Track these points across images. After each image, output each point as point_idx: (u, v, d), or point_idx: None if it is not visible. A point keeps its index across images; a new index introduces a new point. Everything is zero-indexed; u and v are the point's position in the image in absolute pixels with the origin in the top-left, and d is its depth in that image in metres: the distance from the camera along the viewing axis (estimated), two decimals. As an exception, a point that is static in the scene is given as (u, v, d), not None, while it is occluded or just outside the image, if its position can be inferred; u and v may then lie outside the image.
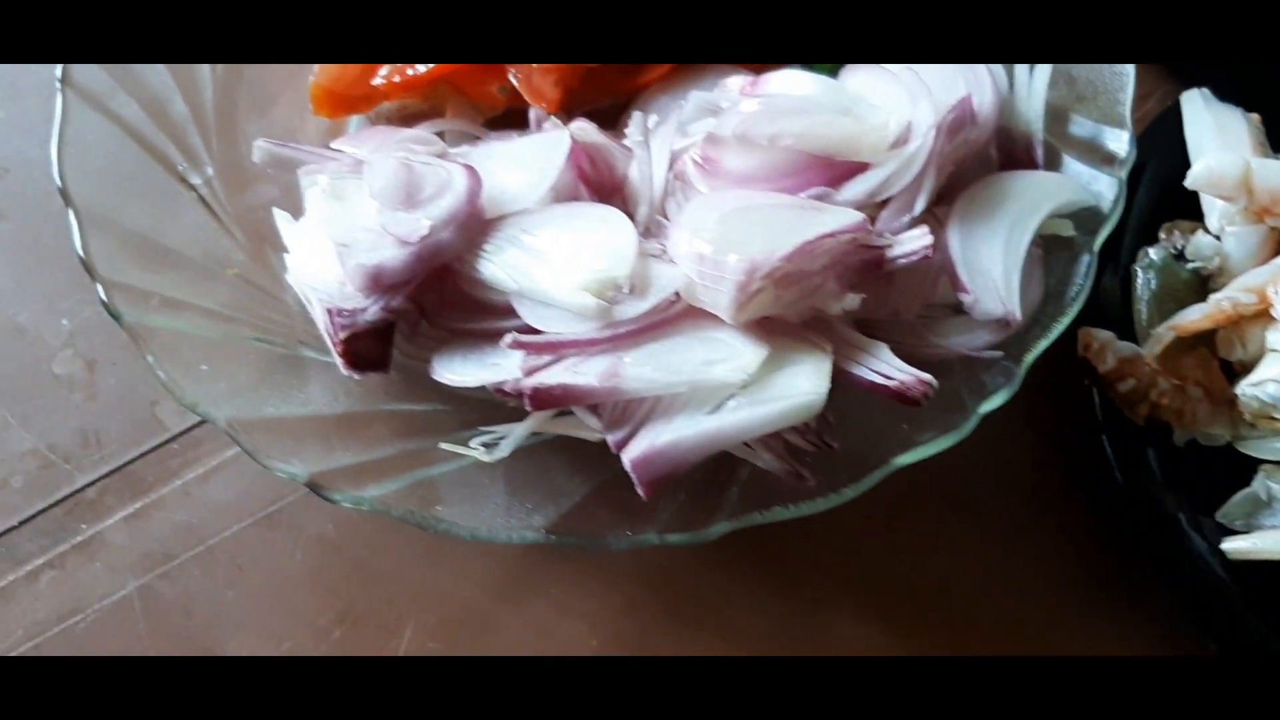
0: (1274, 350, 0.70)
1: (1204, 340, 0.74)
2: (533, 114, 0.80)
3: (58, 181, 0.70)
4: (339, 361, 0.66)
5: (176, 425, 0.79)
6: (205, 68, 0.81)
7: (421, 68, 0.81)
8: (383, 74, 0.82)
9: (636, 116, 0.73)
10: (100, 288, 0.67)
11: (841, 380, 0.63)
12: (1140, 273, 0.77)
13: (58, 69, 0.73)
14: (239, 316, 0.71)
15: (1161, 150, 0.82)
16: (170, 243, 0.72)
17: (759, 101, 0.72)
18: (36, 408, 0.80)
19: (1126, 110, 0.75)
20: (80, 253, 0.68)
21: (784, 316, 0.66)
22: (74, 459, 0.79)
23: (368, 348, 0.67)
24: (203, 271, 0.72)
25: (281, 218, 0.72)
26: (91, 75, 0.75)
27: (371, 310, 0.66)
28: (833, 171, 0.70)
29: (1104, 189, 0.73)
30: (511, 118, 0.84)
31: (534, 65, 0.80)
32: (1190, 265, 0.77)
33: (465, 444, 0.67)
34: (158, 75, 0.78)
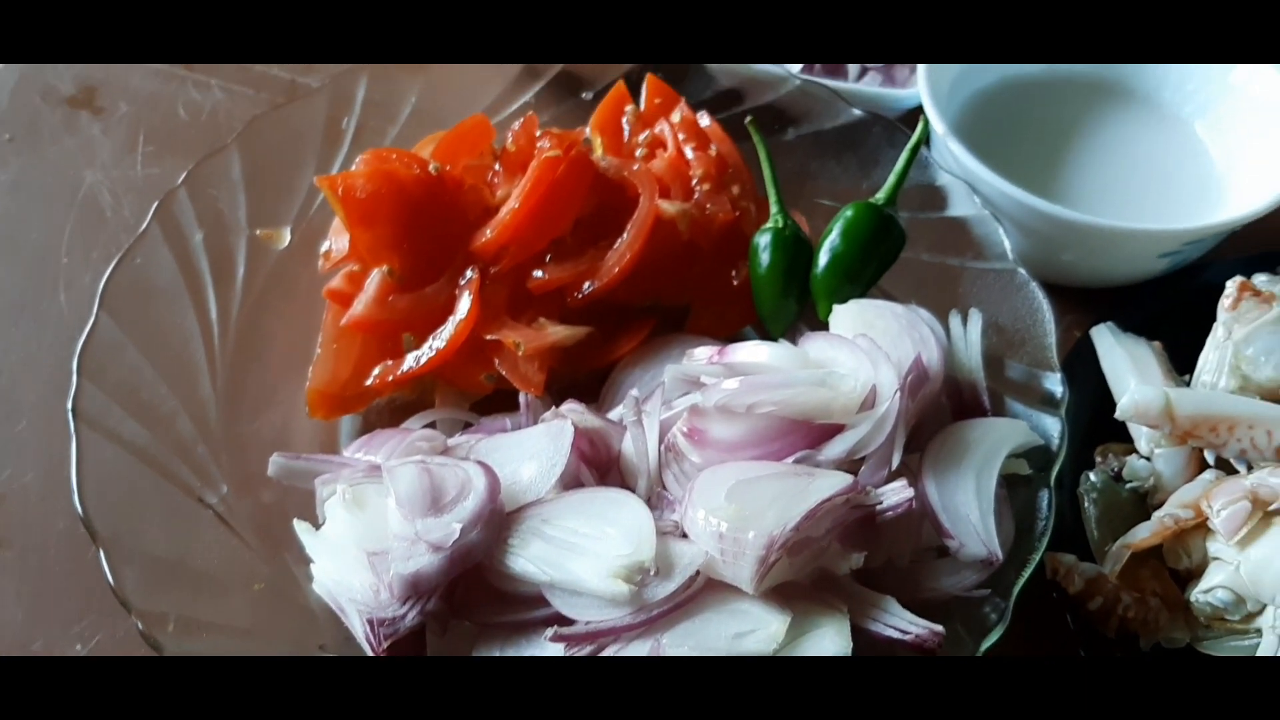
0: (1216, 558, 0.78)
1: (1153, 553, 0.82)
2: (522, 399, 0.86)
3: (80, 513, 0.72)
4: (380, 669, 0.68)
5: (204, 745, 0.77)
6: (206, 381, 0.85)
7: (413, 366, 0.86)
8: (375, 374, 0.87)
9: (629, 399, 0.79)
10: (138, 621, 0.68)
11: (860, 637, 0.68)
12: (1085, 496, 0.85)
13: (68, 400, 0.76)
14: (269, 630, 0.73)
15: (1079, 378, 0.91)
16: (196, 564, 0.74)
17: (738, 379, 0.79)
18: (58, 744, 0.77)
19: (1054, 355, 0.85)
20: (112, 586, 0.69)
21: (796, 580, 0.71)
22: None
23: (406, 651, 0.70)
24: (229, 589, 0.74)
25: (302, 529, 0.74)
26: (99, 404, 0.78)
27: (410, 616, 0.69)
28: (811, 434, 0.77)
29: (1049, 428, 0.82)
30: (496, 395, 0.90)
31: (519, 354, 0.86)
32: (1129, 485, 0.86)
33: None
34: (160, 396, 0.81)
